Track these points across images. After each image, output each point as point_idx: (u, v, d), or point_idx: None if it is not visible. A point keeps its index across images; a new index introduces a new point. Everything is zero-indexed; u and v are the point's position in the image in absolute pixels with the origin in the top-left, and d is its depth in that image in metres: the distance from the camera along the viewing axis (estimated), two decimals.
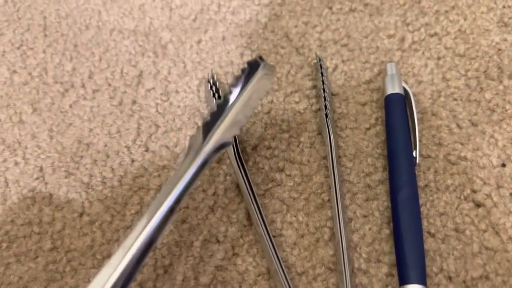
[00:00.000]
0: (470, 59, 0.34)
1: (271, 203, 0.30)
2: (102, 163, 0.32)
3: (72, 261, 0.29)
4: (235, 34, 0.37)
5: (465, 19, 0.36)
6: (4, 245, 0.29)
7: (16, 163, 0.32)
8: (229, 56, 0.36)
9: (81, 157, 0.32)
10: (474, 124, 0.31)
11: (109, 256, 0.28)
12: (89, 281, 0.28)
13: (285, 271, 0.26)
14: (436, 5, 0.37)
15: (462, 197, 0.29)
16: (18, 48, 0.38)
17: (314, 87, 0.34)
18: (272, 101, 0.34)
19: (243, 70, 0.26)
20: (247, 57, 0.36)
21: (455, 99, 0.33)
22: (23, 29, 0.38)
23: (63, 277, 0.28)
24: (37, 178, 0.31)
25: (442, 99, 0.33)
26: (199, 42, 0.37)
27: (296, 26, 0.37)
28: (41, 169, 0.32)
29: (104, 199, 0.30)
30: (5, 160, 0.32)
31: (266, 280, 0.27)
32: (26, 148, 0.33)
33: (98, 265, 0.28)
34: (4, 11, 0.39)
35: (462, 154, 0.30)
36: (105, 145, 0.32)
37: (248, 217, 0.29)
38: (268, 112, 0.33)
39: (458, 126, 0.32)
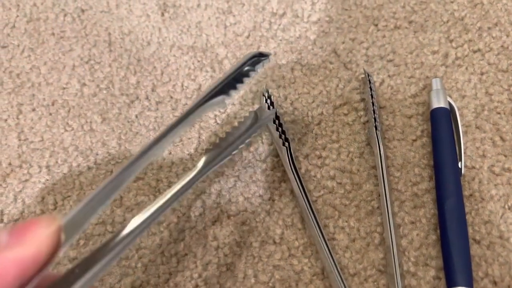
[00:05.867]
0: None
1: (324, 209, 0.32)
2: (167, 169, 0.35)
3: (143, 258, 0.32)
4: (285, 50, 0.39)
5: (507, 36, 0.37)
6: (82, 242, 0.33)
7: (89, 168, 0.36)
8: (281, 71, 0.38)
9: (148, 163, 0.35)
10: None
11: (176, 254, 0.31)
12: (158, 277, 0.31)
13: (340, 272, 0.28)
14: (479, 22, 0.38)
15: (506, 206, 0.31)
16: (87, 62, 0.41)
17: (362, 100, 0.36)
18: (322, 113, 0.36)
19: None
20: (297, 72, 0.38)
21: (498, 113, 0.34)
22: (90, 44, 0.42)
23: (135, 272, 0.31)
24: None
25: (485, 113, 0.34)
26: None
27: (343, 42, 0.39)
28: (111, 173, 0.35)
29: None
30: (78, 165, 0.36)
31: (321, 280, 0.30)
32: (97, 154, 0.36)
33: (167, 262, 0.31)
34: (72, 28, 0.43)
35: (506, 166, 0.32)
36: (170, 153, 0.35)
37: (302, 221, 0.32)
38: (319, 124, 0.36)
39: (502, 138, 0.33)
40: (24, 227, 0.17)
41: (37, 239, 0.17)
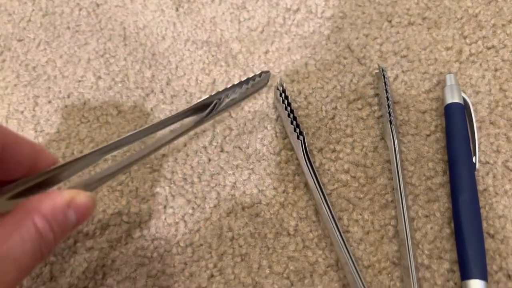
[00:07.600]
0: None
1: (338, 202, 0.32)
2: (182, 161, 0.35)
3: (158, 248, 0.32)
4: (299, 45, 0.40)
5: None
6: (98, 232, 0.33)
7: (105, 160, 0.36)
8: (294, 66, 0.39)
9: (163, 155, 0.35)
10: None
11: (191, 244, 0.32)
12: (174, 266, 0.31)
13: (355, 264, 0.29)
14: (493, 19, 0.38)
15: None
16: (102, 56, 0.41)
17: (376, 95, 0.36)
18: (336, 108, 0.36)
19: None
20: (311, 67, 0.38)
21: None
22: (105, 38, 0.42)
23: (151, 262, 0.32)
24: (124, 174, 0.35)
25: (499, 108, 0.35)
26: (266, 52, 0.40)
27: (357, 38, 0.39)
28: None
29: (185, 194, 0.34)
30: None
31: (335, 271, 0.30)
32: None
33: (182, 252, 0.32)
34: (88, 22, 0.44)
35: None
36: (185, 145, 0.36)
37: (316, 213, 0.32)
38: (333, 118, 0.36)
39: None
40: (86, 209, 0.24)
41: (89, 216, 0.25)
